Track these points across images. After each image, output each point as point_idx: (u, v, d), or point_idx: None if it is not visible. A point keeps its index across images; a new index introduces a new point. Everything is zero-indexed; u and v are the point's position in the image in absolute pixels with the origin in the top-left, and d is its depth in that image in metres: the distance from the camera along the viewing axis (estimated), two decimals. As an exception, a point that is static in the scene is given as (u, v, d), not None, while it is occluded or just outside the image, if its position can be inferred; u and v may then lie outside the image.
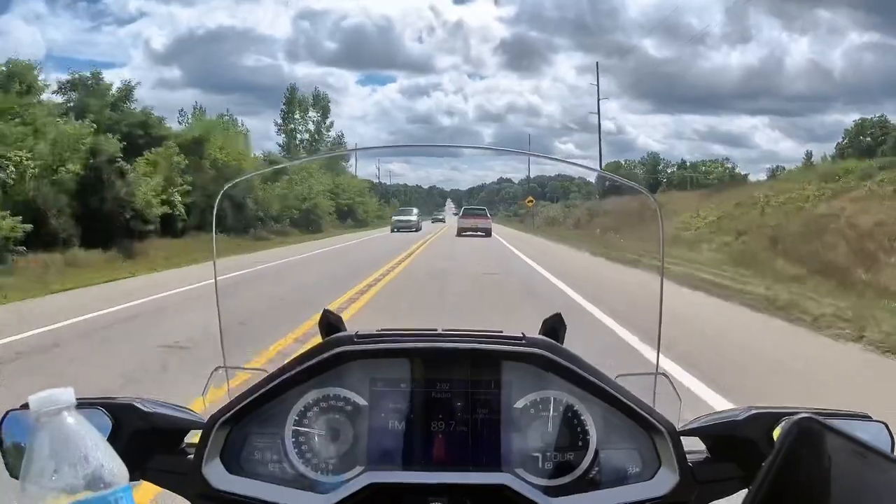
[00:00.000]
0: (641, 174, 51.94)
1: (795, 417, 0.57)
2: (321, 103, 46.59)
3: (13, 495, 0.56)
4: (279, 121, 44.96)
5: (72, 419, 0.54)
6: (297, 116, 45.46)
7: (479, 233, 23.80)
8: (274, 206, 23.61)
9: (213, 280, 0.94)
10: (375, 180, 49.14)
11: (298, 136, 44.82)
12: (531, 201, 37.76)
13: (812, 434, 0.55)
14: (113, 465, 0.54)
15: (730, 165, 48.44)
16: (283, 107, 45.37)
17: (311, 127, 45.99)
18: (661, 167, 55.04)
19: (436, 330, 0.78)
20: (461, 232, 24.43)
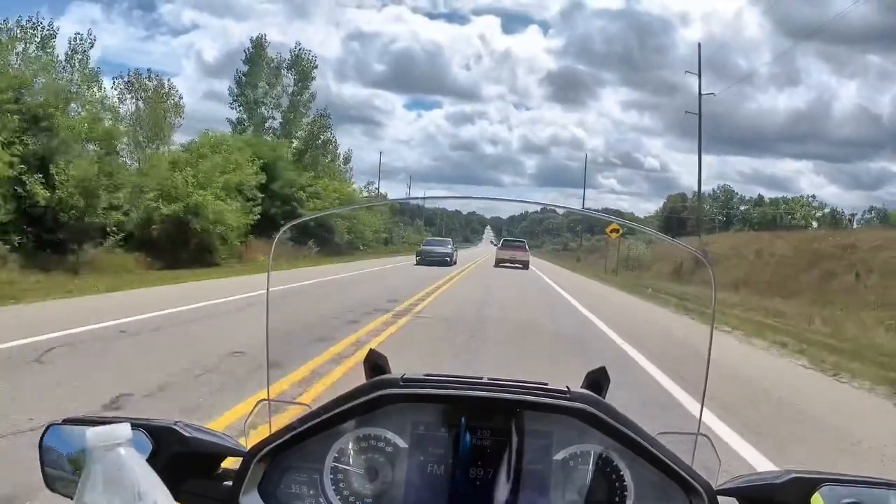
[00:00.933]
0: (712, 209, 50.09)
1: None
2: (301, 66, 34.86)
3: None
4: (235, 88, 33.35)
5: (127, 455, 0.59)
6: (262, 83, 33.53)
7: (517, 265, 24.47)
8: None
9: (264, 315, 1.02)
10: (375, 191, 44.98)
11: (264, 109, 33.70)
12: (616, 231, 26.16)
13: None
14: (165, 501, 0.59)
15: (816, 204, 47.21)
16: (244, 70, 33.12)
17: (285, 101, 34.01)
18: (734, 202, 53.67)
19: (481, 378, 0.84)
20: (499, 263, 25.26)
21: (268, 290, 1.00)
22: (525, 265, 24.50)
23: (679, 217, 52.55)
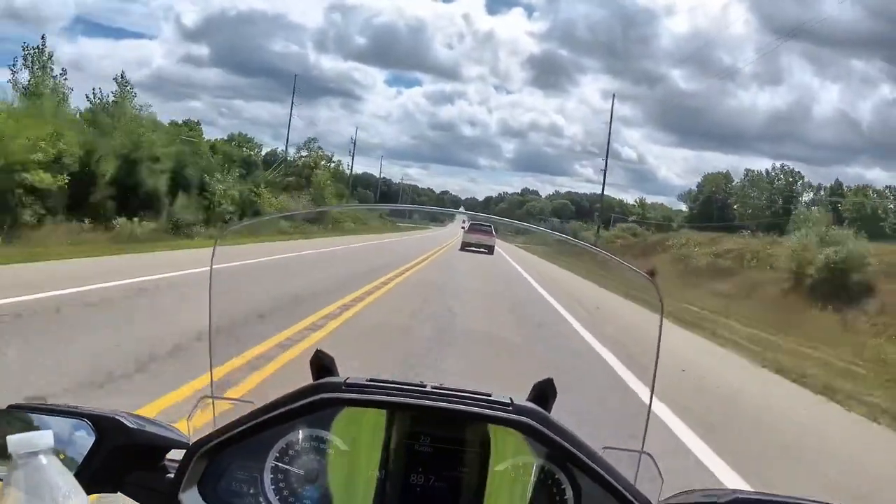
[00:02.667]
0: (760, 196, 47.18)
1: None
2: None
3: None
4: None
5: (48, 462, 0.68)
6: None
7: (482, 249, 26.15)
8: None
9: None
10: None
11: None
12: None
13: None
14: None
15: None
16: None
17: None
18: (798, 187, 49.04)
19: (425, 386, 0.95)
20: (465, 247, 26.99)
21: (210, 287, 1.09)
22: (490, 250, 26.21)
23: (722, 203, 49.28)
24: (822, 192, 47.78)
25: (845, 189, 46.00)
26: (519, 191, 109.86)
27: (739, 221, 41.28)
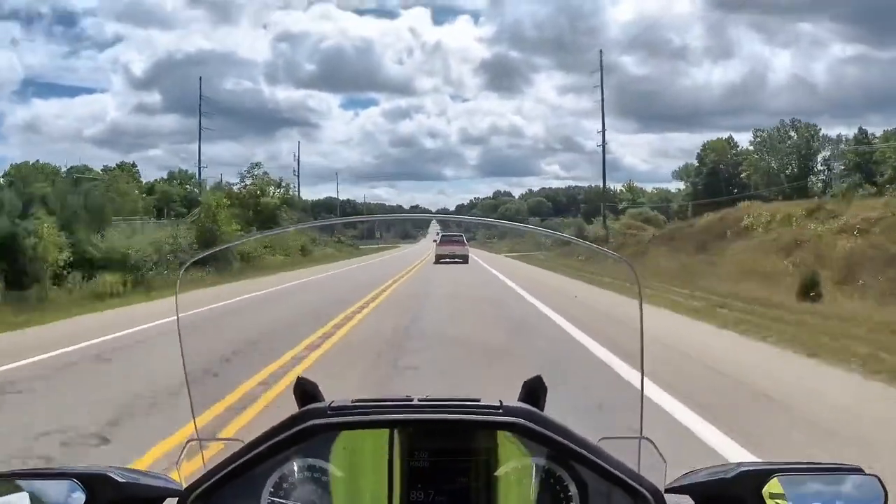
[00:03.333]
0: (778, 157, 44.59)
1: None
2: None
3: None
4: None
5: None
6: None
7: (456, 259, 27.96)
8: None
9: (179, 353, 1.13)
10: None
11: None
12: None
13: None
14: None
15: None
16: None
17: None
18: (819, 136, 45.77)
19: (412, 400, 0.99)
20: (439, 259, 28.16)
21: (178, 328, 1.11)
22: (465, 259, 28.40)
23: (731, 173, 46.85)
24: (845, 144, 44.89)
25: (871, 136, 43.19)
26: (490, 194, 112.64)
27: (755, 190, 39.90)
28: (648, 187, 64.70)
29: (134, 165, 40.31)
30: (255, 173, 47.52)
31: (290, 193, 49.85)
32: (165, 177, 48.39)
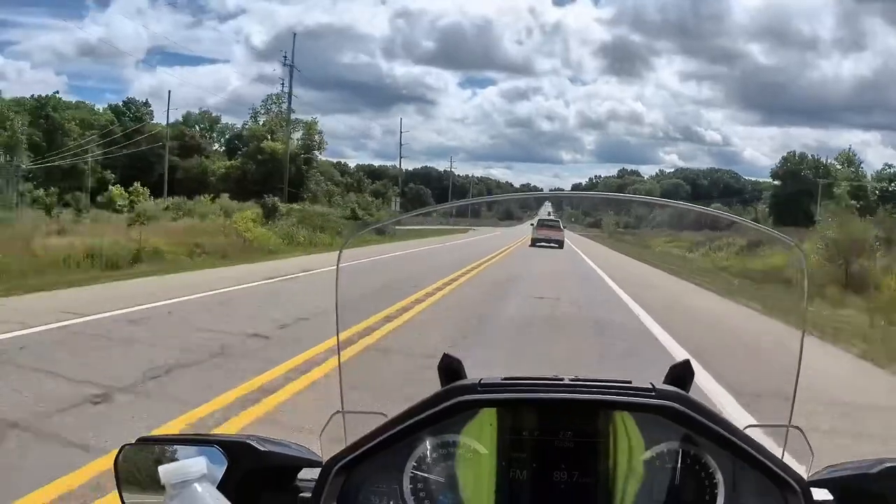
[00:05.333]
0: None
1: None
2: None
3: None
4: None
5: (202, 490, 0.87)
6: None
7: (552, 244, 34.47)
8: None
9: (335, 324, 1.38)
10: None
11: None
12: None
13: None
14: None
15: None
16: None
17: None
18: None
19: (562, 379, 1.15)
20: (535, 242, 34.90)
21: (336, 307, 1.32)
22: (560, 244, 34.66)
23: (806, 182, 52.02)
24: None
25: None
26: (615, 173, 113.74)
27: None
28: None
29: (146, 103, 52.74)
30: (274, 106, 54.51)
31: (320, 151, 55.53)
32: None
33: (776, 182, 66.08)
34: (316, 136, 55.30)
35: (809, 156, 64.85)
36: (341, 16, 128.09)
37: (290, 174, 49.69)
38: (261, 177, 48.65)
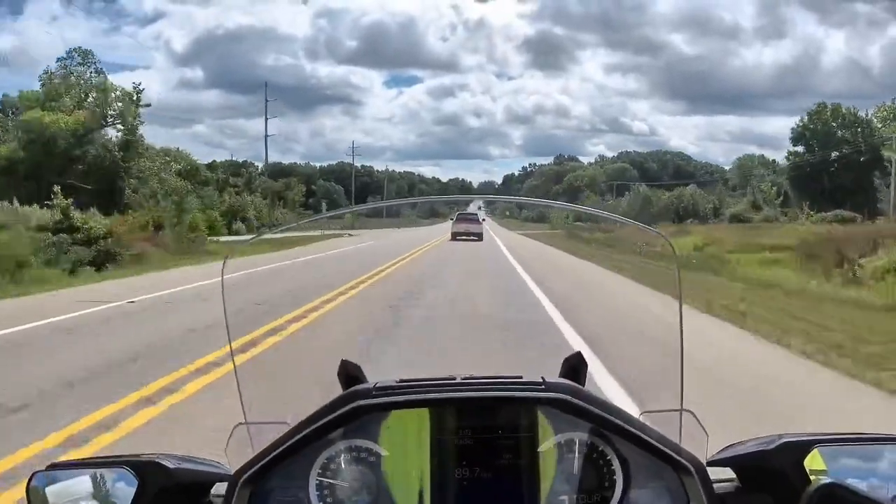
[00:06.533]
0: None
1: (819, 483, 1.14)
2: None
3: None
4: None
5: None
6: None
7: (472, 237, 39.37)
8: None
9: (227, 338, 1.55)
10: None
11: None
12: None
13: (835, 500, 1.08)
14: None
15: None
16: None
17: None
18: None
19: (454, 378, 1.34)
20: (455, 236, 40.02)
21: (225, 314, 1.49)
22: (479, 236, 39.80)
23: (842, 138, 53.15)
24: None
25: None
26: (552, 160, 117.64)
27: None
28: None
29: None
30: (73, 68, 48.09)
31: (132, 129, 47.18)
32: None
33: (797, 149, 66.48)
34: (120, 106, 46.94)
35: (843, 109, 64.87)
36: (261, 17, 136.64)
37: (100, 164, 42.99)
38: (33, 166, 39.82)
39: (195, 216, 35.84)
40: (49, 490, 1.28)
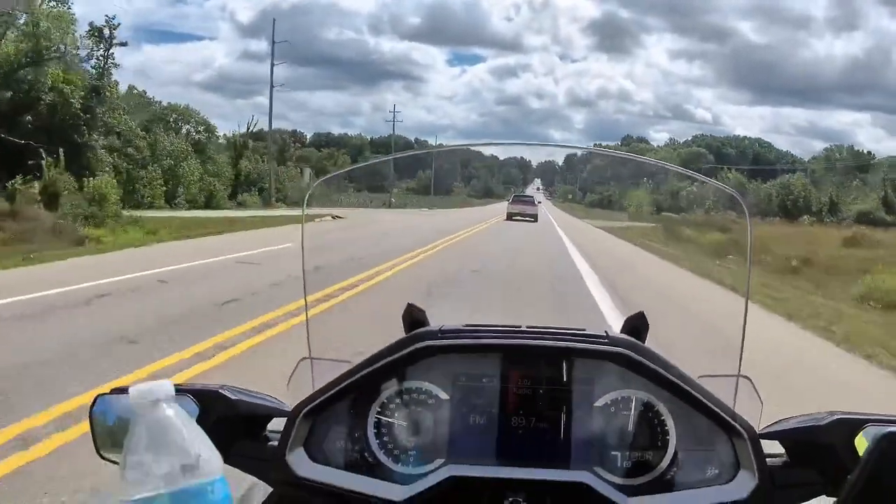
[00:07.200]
0: None
1: (884, 431, 1.22)
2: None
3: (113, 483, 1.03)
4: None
5: (170, 411, 1.05)
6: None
7: (527, 218, 43.38)
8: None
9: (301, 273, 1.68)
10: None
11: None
12: None
13: None
14: (210, 455, 1.03)
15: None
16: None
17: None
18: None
19: (520, 327, 1.46)
20: (510, 216, 44.24)
21: (303, 247, 1.62)
22: (535, 218, 44.39)
23: None
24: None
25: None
26: (619, 140, 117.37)
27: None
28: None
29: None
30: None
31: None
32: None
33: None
34: (89, 44, 40.94)
35: None
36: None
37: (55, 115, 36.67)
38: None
39: (96, 183, 29.31)
40: (111, 413, 1.42)
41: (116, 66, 42.87)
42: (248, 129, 62.11)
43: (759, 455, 1.37)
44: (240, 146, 59.62)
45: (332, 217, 35.13)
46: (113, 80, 43.15)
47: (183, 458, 1.02)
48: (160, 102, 59.34)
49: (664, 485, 1.40)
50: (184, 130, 50.91)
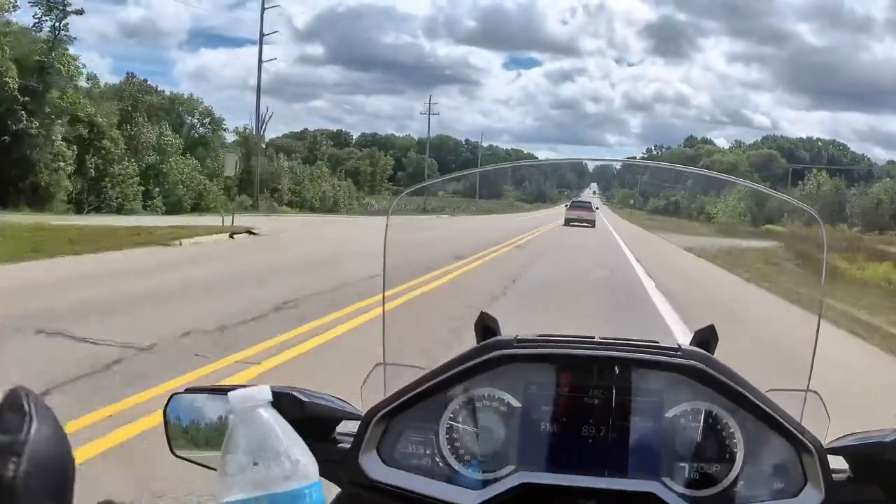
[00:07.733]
0: None
1: None
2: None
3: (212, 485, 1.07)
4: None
5: (269, 415, 1.13)
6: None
7: (584, 223, 44.62)
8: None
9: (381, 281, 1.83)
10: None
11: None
12: None
13: None
14: (307, 460, 1.09)
15: None
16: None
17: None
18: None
19: (593, 337, 1.56)
20: (568, 222, 45.73)
21: (384, 260, 1.75)
22: (592, 223, 45.22)
23: None
24: None
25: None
26: (681, 142, 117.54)
27: None
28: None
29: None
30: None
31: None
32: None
33: None
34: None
35: None
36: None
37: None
38: None
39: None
40: (185, 412, 1.53)
41: (71, 38, 40.30)
42: (263, 123, 60.17)
43: (826, 470, 1.45)
44: (250, 142, 57.70)
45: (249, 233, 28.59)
46: (69, 53, 39.86)
47: (282, 462, 1.10)
48: (163, 92, 56.68)
49: (730, 498, 1.48)
50: (188, 123, 50.58)
